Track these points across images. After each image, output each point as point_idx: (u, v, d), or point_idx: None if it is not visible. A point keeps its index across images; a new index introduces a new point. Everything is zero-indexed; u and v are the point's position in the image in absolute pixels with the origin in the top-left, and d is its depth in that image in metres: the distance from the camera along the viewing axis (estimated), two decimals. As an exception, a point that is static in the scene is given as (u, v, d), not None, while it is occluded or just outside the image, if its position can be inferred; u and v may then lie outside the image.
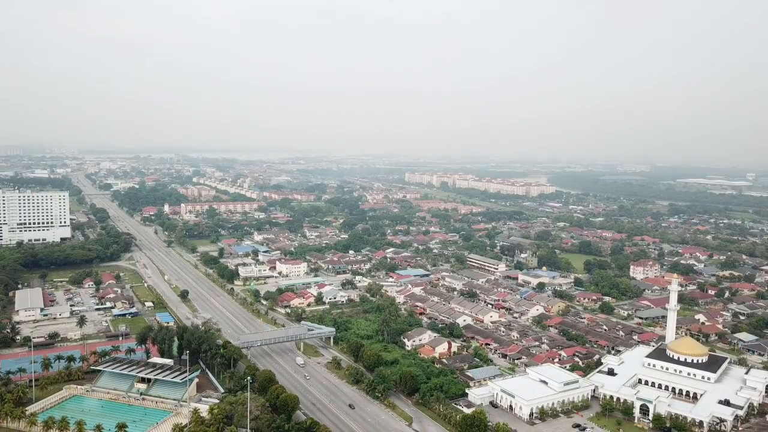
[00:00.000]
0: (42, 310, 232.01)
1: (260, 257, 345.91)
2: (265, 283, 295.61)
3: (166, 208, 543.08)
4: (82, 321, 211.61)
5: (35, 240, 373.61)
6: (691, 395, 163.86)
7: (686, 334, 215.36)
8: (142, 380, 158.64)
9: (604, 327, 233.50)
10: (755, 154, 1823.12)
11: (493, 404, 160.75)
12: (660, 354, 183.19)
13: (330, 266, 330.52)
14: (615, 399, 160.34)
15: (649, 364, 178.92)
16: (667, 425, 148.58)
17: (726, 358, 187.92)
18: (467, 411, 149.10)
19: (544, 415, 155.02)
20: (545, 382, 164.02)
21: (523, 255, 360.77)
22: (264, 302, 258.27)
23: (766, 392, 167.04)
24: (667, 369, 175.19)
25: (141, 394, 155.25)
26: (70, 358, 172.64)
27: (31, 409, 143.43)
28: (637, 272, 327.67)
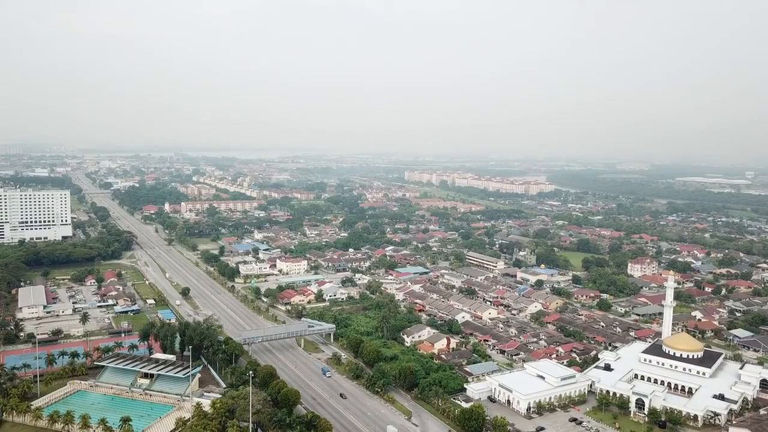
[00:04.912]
0: (45, 307, 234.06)
1: (260, 255, 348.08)
2: (265, 280, 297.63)
3: (167, 207, 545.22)
4: (84, 318, 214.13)
5: (37, 238, 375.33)
6: (686, 390, 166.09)
7: (682, 331, 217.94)
8: (145, 375, 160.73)
9: (602, 323, 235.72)
10: (754, 152, 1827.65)
11: (491, 399, 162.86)
12: (656, 350, 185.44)
13: (330, 264, 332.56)
14: (611, 393, 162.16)
15: (645, 360, 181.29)
16: (663, 419, 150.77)
17: (721, 354, 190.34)
18: (465, 405, 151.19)
19: (541, 409, 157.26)
20: (543, 377, 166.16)
21: (521, 253, 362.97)
22: (264, 299, 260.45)
23: (760, 387, 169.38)
24: (662, 364, 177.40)
25: (144, 389, 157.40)
26: (74, 354, 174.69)
27: (36, 403, 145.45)
28: (634, 270, 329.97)
